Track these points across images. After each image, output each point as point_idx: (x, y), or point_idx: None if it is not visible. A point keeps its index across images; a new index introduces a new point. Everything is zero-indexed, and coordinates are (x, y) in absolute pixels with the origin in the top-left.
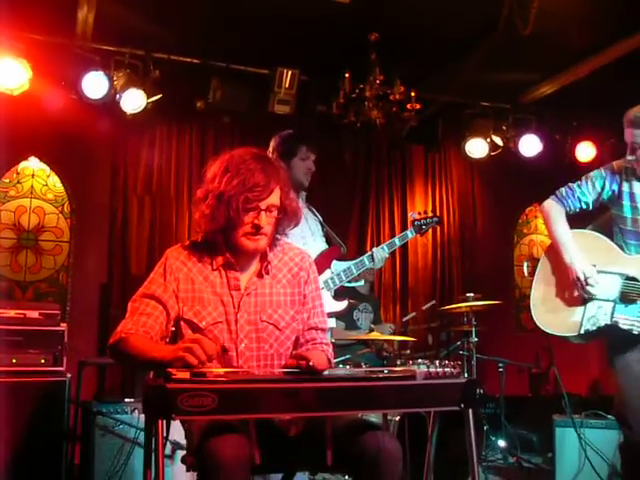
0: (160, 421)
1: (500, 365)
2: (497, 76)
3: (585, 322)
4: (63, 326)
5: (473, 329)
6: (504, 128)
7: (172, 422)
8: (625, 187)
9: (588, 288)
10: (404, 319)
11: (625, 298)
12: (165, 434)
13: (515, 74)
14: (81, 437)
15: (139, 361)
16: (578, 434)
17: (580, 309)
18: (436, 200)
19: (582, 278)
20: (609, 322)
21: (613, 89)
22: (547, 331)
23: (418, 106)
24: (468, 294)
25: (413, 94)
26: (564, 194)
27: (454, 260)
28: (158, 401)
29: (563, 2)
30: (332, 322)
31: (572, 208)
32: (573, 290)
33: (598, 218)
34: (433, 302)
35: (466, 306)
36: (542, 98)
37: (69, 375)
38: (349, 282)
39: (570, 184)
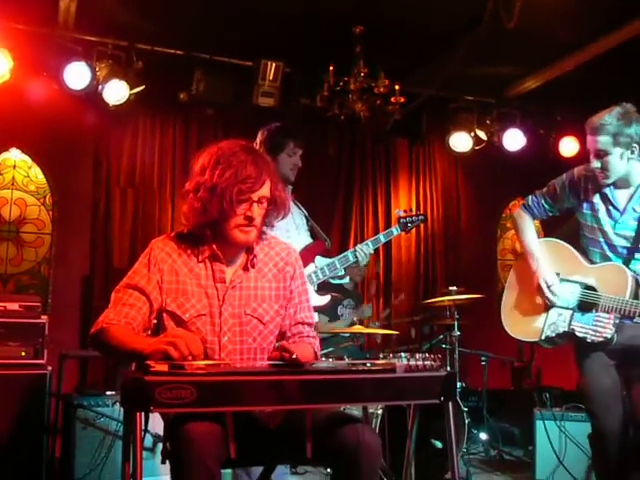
0: (138, 413)
1: (482, 359)
2: (481, 70)
3: (546, 328)
4: (44, 318)
5: (456, 323)
6: (488, 122)
7: (154, 415)
8: (583, 195)
9: (549, 295)
10: (381, 316)
11: (582, 307)
12: (144, 426)
13: (499, 68)
14: (62, 430)
15: (119, 352)
16: (558, 427)
17: (543, 316)
18: (420, 194)
19: (544, 285)
20: (567, 329)
21: (598, 84)
22: (513, 335)
23: (402, 99)
24: (451, 287)
25: (397, 87)
26: (530, 204)
27: (438, 254)
28: (136, 393)
29: None
30: (314, 316)
31: (539, 216)
32: (537, 297)
33: (567, 222)
34: (402, 296)
35: (449, 300)
36: (526, 93)
37: (50, 368)
38: (333, 279)
39: (537, 192)
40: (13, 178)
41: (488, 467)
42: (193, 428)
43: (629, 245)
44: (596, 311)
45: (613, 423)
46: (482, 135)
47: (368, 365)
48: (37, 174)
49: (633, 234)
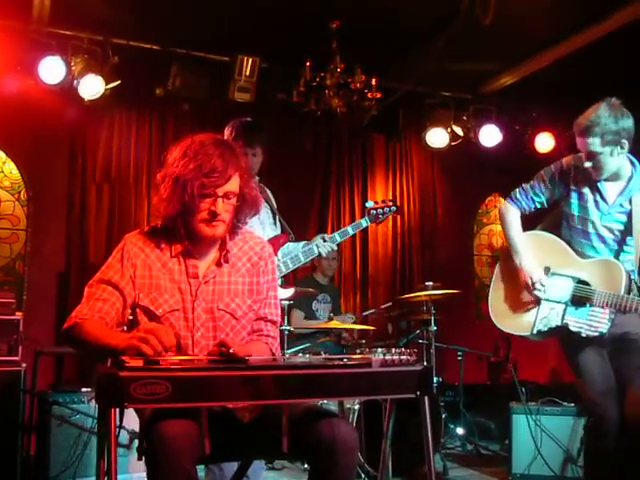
0: (113, 410)
1: (459, 354)
2: (458, 66)
3: (538, 322)
4: (18, 315)
5: (432, 318)
6: (464, 118)
7: (130, 411)
8: (573, 185)
9: (536, 292)
10: (363, 314)
11: (576, 301)
12: (119, 423)
13: (476, 64)
14: (37, 427)
15: (93, 348)
16: (534, 421)
17: (534, 310)
18: (397, 189)
19: (529, 282)
20: (560, 324)
21: (573, 80)
22: (503, 330)
23: (379, 95)
24: (427, 283)
25: (374, 83)
26: (518, 196)
27: (414, 249)
28: (110, 389)
29: None
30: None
31: (527, 209)
32: (526, 291)
33: (549, 214)
34: (390, 304)
35: (425, 295)
36: (502, 89)
37: (24, 365)
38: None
39: (524, 185)
40: None
41: (465, 461)
42: (169, 429)
43: (618, 239)
44: (590, 305)
45: (614, 411)
46: (458, 131)
47: (344, 360)
48: (11, 169)
49: (622, 227)
